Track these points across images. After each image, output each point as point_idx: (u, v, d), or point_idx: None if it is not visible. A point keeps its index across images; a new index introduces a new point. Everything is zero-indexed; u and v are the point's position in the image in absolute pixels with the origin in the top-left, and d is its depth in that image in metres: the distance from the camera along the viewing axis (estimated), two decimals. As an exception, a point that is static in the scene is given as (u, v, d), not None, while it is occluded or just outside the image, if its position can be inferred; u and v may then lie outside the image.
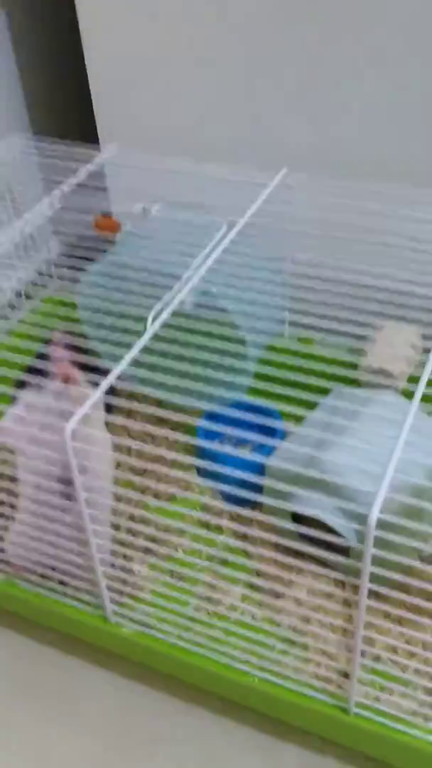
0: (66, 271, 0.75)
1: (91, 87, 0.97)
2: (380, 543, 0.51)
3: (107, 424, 0.65)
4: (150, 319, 0.63)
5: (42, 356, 0.66)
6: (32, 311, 0.81)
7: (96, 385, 0.58)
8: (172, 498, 0.80)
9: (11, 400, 0.67)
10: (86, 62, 0.95)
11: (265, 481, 0.59)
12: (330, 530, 0.65)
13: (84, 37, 0.93)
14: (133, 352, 0.61)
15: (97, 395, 0.58)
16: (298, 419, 0.73)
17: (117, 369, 0.59)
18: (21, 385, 0.65)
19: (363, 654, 0.61)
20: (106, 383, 0.58)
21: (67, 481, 0.61)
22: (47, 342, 0.67)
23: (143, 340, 0.62)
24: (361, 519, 0.51)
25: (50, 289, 0.84)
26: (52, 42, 1.16)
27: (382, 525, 0.50)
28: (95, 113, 0.99)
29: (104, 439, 0.66)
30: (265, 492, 0.64)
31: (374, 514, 0.50)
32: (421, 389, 0.58)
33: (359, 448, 0.59)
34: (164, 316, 0.64)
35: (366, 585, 0.53)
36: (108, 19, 0.90)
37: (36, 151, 0.90)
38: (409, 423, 0.56)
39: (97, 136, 1.00)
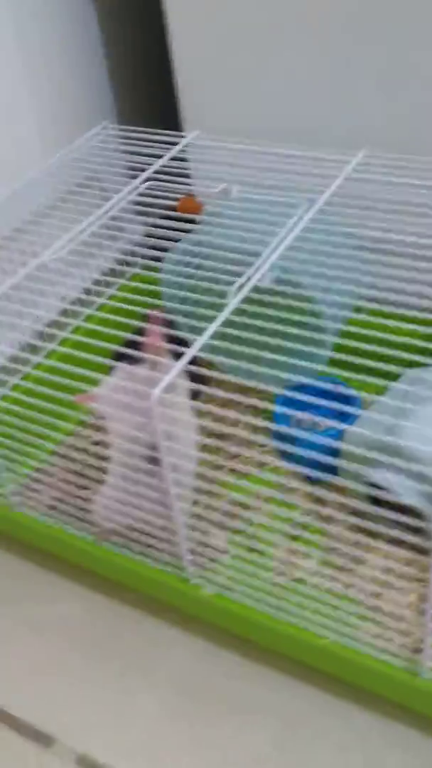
0: (150, 251, 0.78)
1: (175, 75, 1.00)
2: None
3: (194, 394, 0.68)
4: (232, 294, 0.66)
5: (139, 332, 0.70)
6: (120, 288, 0.85)
7: (179, 356, 0.61)
8: (248, 474, 0.83)
9: (109, 370, 0.71)
10: (171, 51, 0.98)
11: (343, 446, 0.61)
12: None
13: (170, 26, 0.96)
14: (215, 326, 0.63)
15: (180, 364, 0.61)
16: (379, 390, 0.75)
17: (199, 341, 0.62)
18: (118, 357, 0.69)
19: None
20: (190, 353, 0.61)
21: (154, 447, 0.65)
22: (143, 318, 0.71)
23: (224, 314, 0.65)
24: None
25: (136, 268, 0.87)
26: (138, 32, 1.20)
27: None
28: (179, 102, 1.02)
29: (188, 407, 0.69)
30: (342, 471, 0.66)
31: None
32: None
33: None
34: (244, 291, 0.66)
35: None
36: (193, 6, 0.93)
37: (122, 139, 0.95)
38: None
39: (180, 126, 1.04)
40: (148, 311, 0.69)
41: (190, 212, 0.79)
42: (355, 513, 0.63)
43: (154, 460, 0.67)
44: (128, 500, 0.72)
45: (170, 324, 0.73)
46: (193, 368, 0.61)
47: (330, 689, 0.73)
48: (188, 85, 1.00)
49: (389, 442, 0.63)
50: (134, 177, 0.86)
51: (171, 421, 0.63)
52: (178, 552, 0.72)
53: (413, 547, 0.64)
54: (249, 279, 0.67)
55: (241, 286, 0.66)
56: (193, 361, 0.62)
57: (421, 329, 0.69)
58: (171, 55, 0.98)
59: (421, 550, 0.62)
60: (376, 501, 0.70)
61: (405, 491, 0.71)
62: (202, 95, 0.99)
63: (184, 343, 0.64)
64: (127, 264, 0.93)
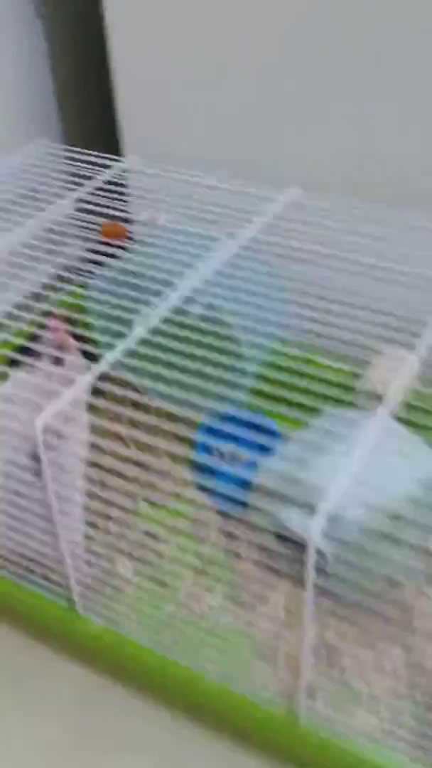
0: (75, 276, 0.77)
1: (116, 100, 1.00)
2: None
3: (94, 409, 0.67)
4: (146, 315, 0.65)
5: (36, 337, 0.68)
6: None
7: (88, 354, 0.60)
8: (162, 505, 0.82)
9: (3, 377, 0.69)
10: (113, 77, 0.98)
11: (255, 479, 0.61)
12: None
13: (112, 51, 0.96)
14: (127, 343, 0.63)
15: (75, 390, 0.59)
16: (299, 424, 0.75)
17: (109, 355, 0.61)
18: (13, 363, 0.68)
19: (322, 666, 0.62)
20: (96, 369, 0.60)
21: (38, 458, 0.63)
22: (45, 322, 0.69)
23: (136, 334, 0.64)
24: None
25: (60, 294, 0.87)
26: (85, 54, 1.20)
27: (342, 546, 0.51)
28: (120, 126, 1.02)
29: (80, 421, 0.68)
30: (251, 508, 0.65)
31: (316, 522, 0.51)
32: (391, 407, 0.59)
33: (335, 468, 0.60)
34: (159, 313, 0.66)
35: (310, 596, 0.54)
36: (135, 33, 0.94)
37: (60, 157, 0.94)
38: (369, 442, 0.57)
39: (120, 150, 1.03)
40: (52, 309, 0.68)
41: (112, 237, 0.79)
42: (263, 550, 0.63)
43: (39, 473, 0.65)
44: (9, 520, 0.69)
45: (76, 323, 0.72)
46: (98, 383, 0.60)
47: (217, 731, 0.72)
48: (129, 110, 1.00)
49: (297, 477, 0.63)
50: (67, 196, 0.86)
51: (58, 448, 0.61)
52: (67, 582, 0.70)
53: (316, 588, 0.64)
54: (162, 303, 0.67)
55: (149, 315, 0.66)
56: (103, 377, 0.61)
57: (345, 367, 0.70)
58: (113, 81, 0.98)
59: (323, 591, 0.62)
60: (283, 539, 0.70)
61: (308, 531, 0.71)
62: (143, 121, 1.00)
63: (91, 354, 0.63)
64: (54, 286, 0.92)
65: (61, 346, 0.67)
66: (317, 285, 0.73)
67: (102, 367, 0.60)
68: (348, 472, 0.63)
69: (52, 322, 0.70)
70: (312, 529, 0.51)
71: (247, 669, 0.67)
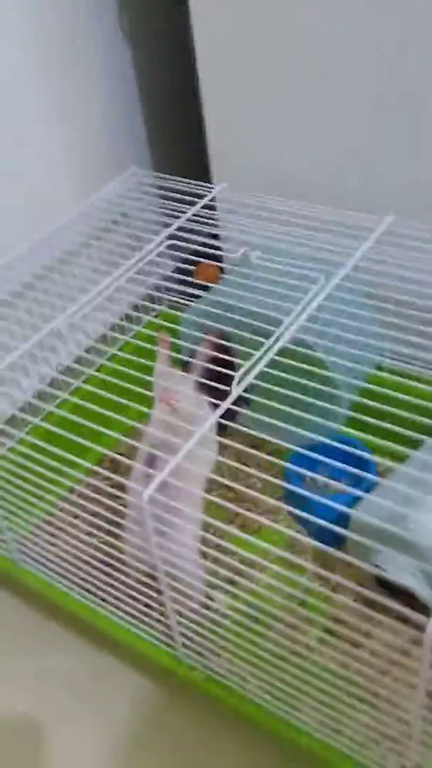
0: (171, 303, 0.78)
1: (206, 126, 1.00)
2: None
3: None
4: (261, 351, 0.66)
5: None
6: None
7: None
8: (257, 531, 0.82)
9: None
10: (202, 100, 0.98)
11: (349, 533, 0.59)
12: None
13: (202, 75, 0.96)
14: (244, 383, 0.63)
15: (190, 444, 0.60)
16: (396, 455, 0.73)
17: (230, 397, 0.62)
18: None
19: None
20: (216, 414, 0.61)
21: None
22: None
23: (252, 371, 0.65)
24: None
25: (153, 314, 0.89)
26: (175, 83, 1.21)
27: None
28: (209, 153, 1.02)
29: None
30: (349, 545, 0.63)
31: None
32: None
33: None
34: (269, 354, 0.66)
35: (428, 656, 0.52)
36: (225, 60, 0.93)
37: (153, 184, 0.95)
38: None
39: (209, 177, 1.04)
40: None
41: (206, 280, 0.79)
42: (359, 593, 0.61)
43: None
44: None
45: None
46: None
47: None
48: (218, 137, 1.00)
49: (395, 532, 0.61)
50: (162, 224, 0.86)
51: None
52: (171, 631, 0.71)
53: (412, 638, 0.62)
54: (269, 348, 0.67)
55: (267, 349, 0.66)
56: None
57: None
58: (202, 107, 0.99)
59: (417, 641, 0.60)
60: (381, 583, 0.68)
61: (412, 583, 0.69)
62: (232, 148, 0.99)
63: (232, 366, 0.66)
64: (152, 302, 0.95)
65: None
66: (413, 307, 0.71)
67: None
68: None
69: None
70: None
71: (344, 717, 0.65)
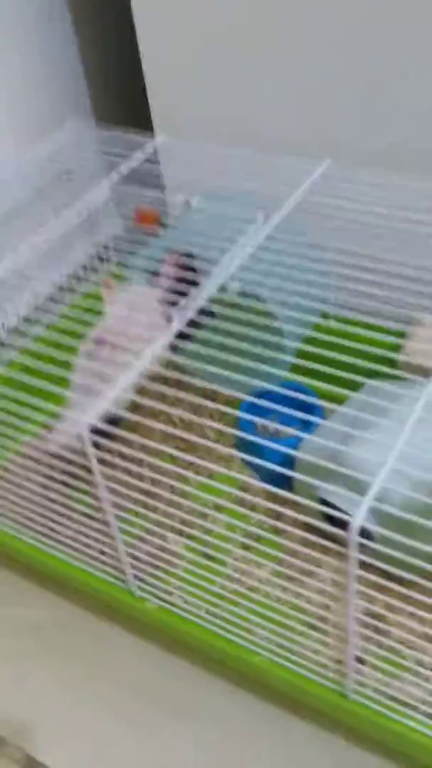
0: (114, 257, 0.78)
1: (145, 76, 0.99)
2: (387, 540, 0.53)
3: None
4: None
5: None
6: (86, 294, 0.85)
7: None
8: (211, 475, 0.84)
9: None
10: (140, 51, 0.97)
11: (294, 473, 0.61)
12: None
13: (138, 25, 0.95)
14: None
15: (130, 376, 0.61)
16: (341, 399, 0.75)
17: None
18: None
19: (368, 639, 0.63)
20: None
21: None
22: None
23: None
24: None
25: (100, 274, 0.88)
26: (112, 30, 1.19)
27: (384, 520, 0.52)
28: (150, 102, 1.01)
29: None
30: (295, 484, 0.66)
31: (364, 502, 0.52)
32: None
33: (379, 443, 0.61)
34: (204, 295, 0.67)
35: (354, 570, 0.55)
36: (162, 4, 0.92)
37: (94, 136, 0.94)
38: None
39: (151, 126, 1.03)
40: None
41: (146, 222, 0.79)
42: (308, 526, 0.64)
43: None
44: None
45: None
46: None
47: (273, 701, 0.75)
48: (157, 86, 0.99)
49: (339, 451, 0.64)
50: (103, 175, 0.86)
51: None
52: (121, 565, 0.73)
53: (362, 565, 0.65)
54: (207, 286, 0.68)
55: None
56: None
57: (385, 338, 0.70)
58: (141, 56, 0.97)
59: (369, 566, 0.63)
60: (328, 517, 0.71)
61: (352, 507, 0.72)
62: (172, 97, 0.99)
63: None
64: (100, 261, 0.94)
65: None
66: (355, 255, 0.73)
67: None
68: (394, 449, 0.63)
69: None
70: (359, 510, 0.52)
71: (296, 641, 0.68)
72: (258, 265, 0.72)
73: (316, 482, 0.67)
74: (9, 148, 1.02)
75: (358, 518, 0.52)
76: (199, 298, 0.66)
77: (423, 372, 0.83)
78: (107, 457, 0.62)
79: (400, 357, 0.85)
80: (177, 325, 0.65)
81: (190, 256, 0.80)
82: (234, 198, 0.75)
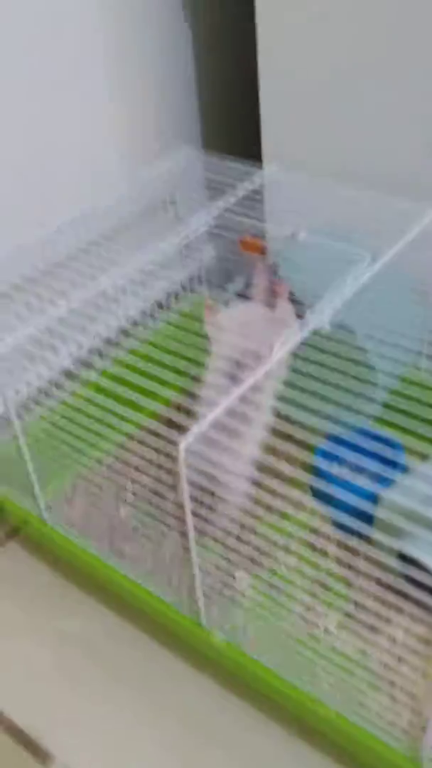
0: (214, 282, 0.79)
1: (261, 108, 1.00)
2: None
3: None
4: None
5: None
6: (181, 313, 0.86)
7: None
8: (284, 515, 0.82)
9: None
10: (260, 84, 0.98)
11: (378, 513, 0.59)
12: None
13: (260, 58, 0.96)
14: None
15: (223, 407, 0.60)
16: (423, 456, 0.72)
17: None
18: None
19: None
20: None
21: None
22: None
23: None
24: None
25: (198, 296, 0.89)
26: (230, 60, 1.21)
27: None
28: (262, 133, 1.02)
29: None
30: (376, 524, 0.63)
31: None
32: None
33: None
34: (302, 334, 0.66)
35: None
36: (286, 40, 0.93)
37: (202, 164, 0.95)
38: None
39: (260, 158, 1.04)
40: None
41: (250, 251, 0.79)
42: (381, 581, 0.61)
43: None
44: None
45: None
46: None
47: (333, 755, 0.71)
48: (271, 117, 1.00)
49: (423, 512, 0.61)
50: (209, 202, 0.87)
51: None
52: (194, 593, 0.71)
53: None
54: (306, 324, 0.66)
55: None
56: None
57: None
58: (258, 87, 0.98)
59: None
60: (406, 577, 0.68)
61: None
62: (285, 128, 0.99)
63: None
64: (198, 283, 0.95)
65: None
66: None
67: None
68: None
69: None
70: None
71: (362, 698, 0.65)
72: (359, 305, 0.70)
73: (396, 539, 0.65)
74: (118, 171, 1.05)
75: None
76: (304, 330, 0.65)
77: None
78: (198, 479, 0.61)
79: None
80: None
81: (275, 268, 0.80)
82: (341, 236, 0.74)
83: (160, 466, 0.74)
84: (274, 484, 0.62)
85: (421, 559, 0.67)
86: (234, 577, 0.76)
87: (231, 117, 1.25)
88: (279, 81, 0.96)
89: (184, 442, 0.57)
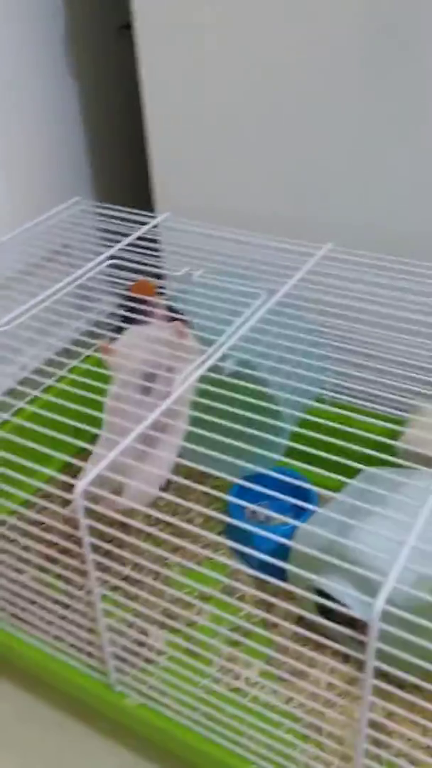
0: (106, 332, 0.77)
1: (150, 157, 1.01)
2: (388, 638, 0.48)
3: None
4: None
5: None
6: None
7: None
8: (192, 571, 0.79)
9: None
10: (147, 134, 0.99)
11: (288, 565, 0.58)
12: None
13: (147, 106, 0.98)
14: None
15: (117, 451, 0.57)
16: (337, 485, 0.72)
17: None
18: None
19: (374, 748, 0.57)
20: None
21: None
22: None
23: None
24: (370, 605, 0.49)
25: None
26: (120, 113, 1.22)
27: (387, 618, 0.48)
28: (152, 183, 1.02)
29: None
30: (289, 575, 0.62)
31: (378, 606, 0.47)
32: None
33: (380, 534, 0.57)
34: (199, 372, 0.65)
35: (370, 680, 0.50)
36: (170, 87, 0.95)
37: (94, 215, 0.95)
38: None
39: (152, 207, 1.04)
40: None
41: (142, 293, 0.78)
42: (302, 621, 0.59)
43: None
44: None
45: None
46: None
47: None
48: (162, 167, 1.01)
49: (336, 543, 0.60)
50: (101, 253, 0.86)
51: None
52: (102, 656, 0.67)
53: (358, 663, 0.60)
54: (203, 362, 0.65)
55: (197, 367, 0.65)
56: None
57: (382, 425, 0.68)
58: (147, 137, 1.00)
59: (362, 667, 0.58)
60: (323, 610, 0.66)
61: (350, 600, 0.67)
62: (176, 178, 1.00)
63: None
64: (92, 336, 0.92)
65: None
66: (354, 340, 0.72)
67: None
68: (405, 544, 0.60)
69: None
70: (375, 611, 0.47)
71: (290, 750, 0.62)
72: (255, 345, 0.70)
73: (313, 575, 0.63)
74: (8, 223, 1.03)
75: (376, 620, 0.47)
76: (200, 368, 0.64)
77: (423, 461, 0.81)
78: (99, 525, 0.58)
79: (398, 444, 0.82)
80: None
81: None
82: (236, 276, 0.75)
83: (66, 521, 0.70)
84: (187, 526, 0.59)
85: (336, 593, 0.66)
86: (147, 635, 0.72)
87: (124, 167, 1.25)
88: (166, 127, 0.98)
89: (82, 484, 0.54)
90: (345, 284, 0.74)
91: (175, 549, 0.77)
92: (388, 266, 0.75)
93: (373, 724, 0.57)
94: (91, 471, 0.55)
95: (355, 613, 0.66)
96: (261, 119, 0.91)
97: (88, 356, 0.76)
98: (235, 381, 0.67)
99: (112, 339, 0.75)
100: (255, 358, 0.70)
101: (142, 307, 0.75)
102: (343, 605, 0.66)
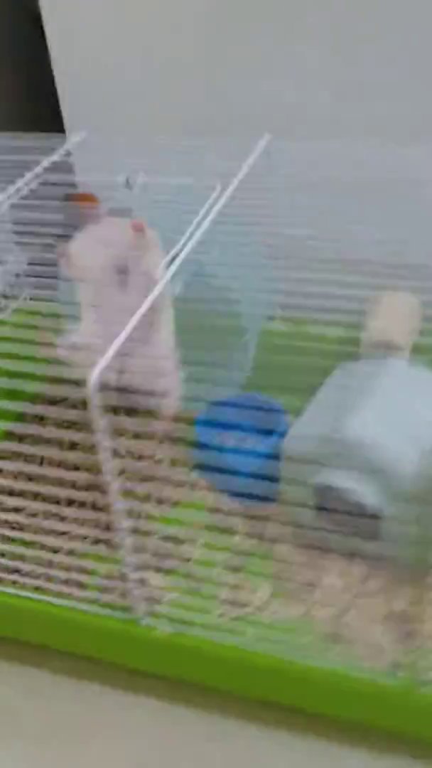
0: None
1: (55, 74, 0.94)
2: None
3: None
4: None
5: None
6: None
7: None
8: (176, 503, 0.75)
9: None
10: (49, 48, 0.92)
11: (283, 466, 0.55)
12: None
13: (47, 23, 0.90)
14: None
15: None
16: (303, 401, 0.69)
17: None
18: None
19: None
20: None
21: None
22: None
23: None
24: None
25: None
26: (19, 32, 1.11)
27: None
28: (60, 101, 0.95)
29: None
30: (283, 476, 0.60)
31: None
32: None
33: (381, 417, 0.55)
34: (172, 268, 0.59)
35: None
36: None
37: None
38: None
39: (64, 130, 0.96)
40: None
41: (82, 202, 0.70)
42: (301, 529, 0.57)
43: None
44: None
45: None
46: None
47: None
48: (69, 83, 0.94)
49: (336, 437, 0.58)
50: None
51: None
52: (121, 587, 0.62)
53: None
54: (174, 257, 0.60)
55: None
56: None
57: (341, 332, 0.66)
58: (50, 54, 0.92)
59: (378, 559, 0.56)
60: (324, 509, 0.64)
61: (358, 487, 0.64)
62: (86, 92, 0.93)
63: None
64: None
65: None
66: (298, 245, 0.68)
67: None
68: (390, 424, 0.58)
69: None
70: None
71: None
72: (211, 251, 0.65)
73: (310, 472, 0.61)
74: None
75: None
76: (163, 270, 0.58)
77: (387, 347, 0.79)
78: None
79: (362, 336, 0.80)
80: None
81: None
82: (177, 176, 0.69)
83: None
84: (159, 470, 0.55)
85: (336, 484, 0.64)
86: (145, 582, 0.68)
87: (29, 92, 1.14)
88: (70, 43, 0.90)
89: (96, 372, 0.48)
90: (284, 180, 0.69)
91: (148, 496, 0.73)
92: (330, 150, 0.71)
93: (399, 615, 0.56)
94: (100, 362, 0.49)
95: (363, 498, 0.64)
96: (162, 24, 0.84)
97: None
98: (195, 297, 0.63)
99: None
100: (211, 262, 0.65)
101: (88, 213, 0.68)
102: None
